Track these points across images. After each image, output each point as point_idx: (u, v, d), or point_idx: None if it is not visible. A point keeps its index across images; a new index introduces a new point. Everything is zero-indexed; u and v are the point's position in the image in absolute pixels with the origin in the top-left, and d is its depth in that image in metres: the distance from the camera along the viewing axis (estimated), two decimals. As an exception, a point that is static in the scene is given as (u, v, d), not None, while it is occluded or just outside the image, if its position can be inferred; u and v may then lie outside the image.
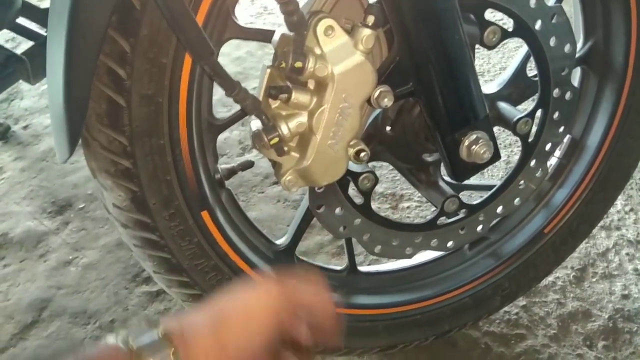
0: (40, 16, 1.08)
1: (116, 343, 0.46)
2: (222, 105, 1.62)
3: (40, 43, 1.07)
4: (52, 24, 0.59)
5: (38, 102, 1.72)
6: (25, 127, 1.65)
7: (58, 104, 0.59)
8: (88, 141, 0.67)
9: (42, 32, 1.18)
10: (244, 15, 2.06)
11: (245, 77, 1.86)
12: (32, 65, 1.02)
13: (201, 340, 0.48)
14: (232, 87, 0.57)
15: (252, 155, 1.49)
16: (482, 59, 1.80)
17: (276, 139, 0.59)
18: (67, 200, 1.41)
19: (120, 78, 0.61)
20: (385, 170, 1.43)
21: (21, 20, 1.15)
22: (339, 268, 0.93)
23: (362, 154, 0.64)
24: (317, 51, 0.57)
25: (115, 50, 0.60)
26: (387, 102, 0.63)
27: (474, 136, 0.69)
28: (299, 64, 0.56)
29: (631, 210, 1.36)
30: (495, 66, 1.82)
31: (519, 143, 0.86)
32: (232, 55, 1.91)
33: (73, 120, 0.60)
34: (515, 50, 1.80)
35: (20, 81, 1.16)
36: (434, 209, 0.87)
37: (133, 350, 0.46)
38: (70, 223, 1.36)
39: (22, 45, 1.38)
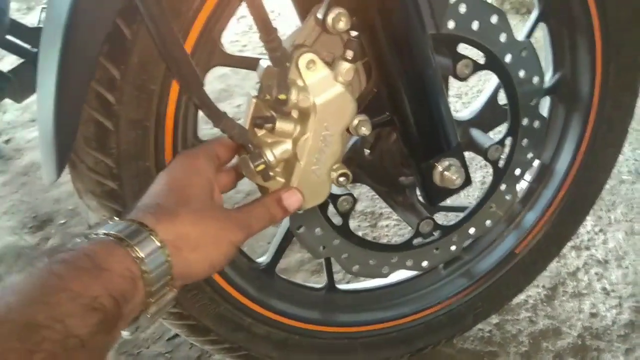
0: (28, 35, 1.09)
1: (97, 236, 0.49)
2: (205, 122, 1.64)
3: (26, 61, 1.09)
4: (45, 48, 0.60)
5: (21, 116, 1.72)
6: (7, 141, 1.65)
7: (47, 128, 0.60)
8: (75, 163, 0.69)
9: (29, 48, 1.19)
10: (229, 34, 2.10)
11: (230, 94, 1.89)
12: (18, 84, 1.03)
13: (164, 216, 0.52)
14: (219, 118, 0.59)
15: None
16: (459, 81, 1.86)
17: (262, 166, 0.62)
18: (49, 215, 1.41)
19: (109, 103, 0.64)
20: (365, 189, 1.46)
21: (9, 38, 1.16)
22: (318, 286, 0.96)
23: (342, 179, 0.67)
24: (300, 83, 0.60)
25: (106, 77, 0.62)
26: (365, 130, 0.66)
27: (447, 163, 0.73)
28: (282, 96, 0.59)
29: (600, 230, 1.41)
30: (473, 89, 1.88)
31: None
32: (216, 73, 1.94)
33: (62, 144, 0.61)
34: (491, 74, 1.86)
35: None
36: (410, 229, 0.90)
37: (117, 238, 0.49)
38: (51, 238, 1.36)
39: (6, 60, 1.39)
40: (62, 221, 1.40)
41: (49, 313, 0.41)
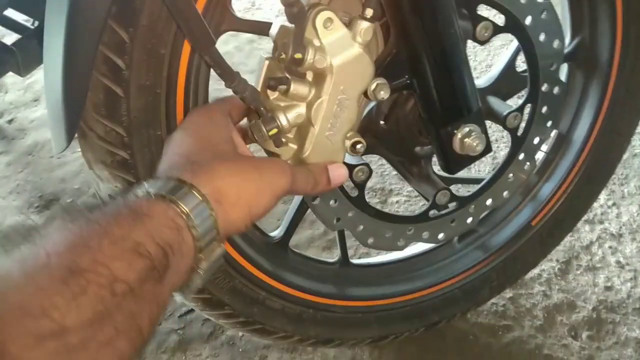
0: (29, 7, 1.06)
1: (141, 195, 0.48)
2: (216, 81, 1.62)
3: (29, 35, 1.06)
4: (51, 13, 0.58)
5: (23, 96, 1.70)
6: (10, 121, 1.63)
7: (56, 94, 0.58)
8: (84, 132, 0.67)
9: (29, 25, 1.17)
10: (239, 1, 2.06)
11: (234, 72, 1.86)
12: (22, 57, 1.00)
13: (200, 171, 0.51)
14: (232, 78, 0.57)
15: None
16: (469, 56, 1.82)
17: (275, 130, 0.60)
18: (55, 194, 1.40)
19: (119, 68, 0.61)
20: (374, 165, 1.44)
21: (9, 12, 1.13)
22: (331, 260, 0.94)
23: (358, 146, 0.65)
24: (316, 43, 0.58)
25: (114, 40, 0.60)
26: (384, 94, 0.63)
27: (467, 129, 0.70)
28: (298, 55, 0.56)
29: (614, 204, 1.39)
30: (482, 63, 1.85)
31: (505, 140, 0.88)
32: (220, 50, 1.90)
33: (71, 110, 0.59)
34: (501, 48, 1.83)
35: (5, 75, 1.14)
36: (422, 203, 0.88)
37: (158, 195, 0.47)
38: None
39: (6, 38, 1.37)
40: (69, 200, 1.38)
41: (91, 256, 0.39)
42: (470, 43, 0.72)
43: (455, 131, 0.71)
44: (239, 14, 0.70)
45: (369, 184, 1.42)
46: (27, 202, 1.38)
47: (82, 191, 1.39)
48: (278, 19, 0.63)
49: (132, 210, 0.44)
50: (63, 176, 1.44)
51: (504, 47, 1.80)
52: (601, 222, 1.35)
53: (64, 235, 0.41)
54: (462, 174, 0.92)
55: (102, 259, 0.40)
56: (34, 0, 1.01)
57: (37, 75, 1.65)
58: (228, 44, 1.91)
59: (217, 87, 0.67)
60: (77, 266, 0.39)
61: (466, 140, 0.70)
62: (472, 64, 1.86)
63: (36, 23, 1.14)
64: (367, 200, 0.83)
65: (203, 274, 0.50)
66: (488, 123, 0.78)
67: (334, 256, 0.96)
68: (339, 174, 0.62)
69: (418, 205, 1.35)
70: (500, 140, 1.51)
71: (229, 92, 0.61)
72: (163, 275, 0.43)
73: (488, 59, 1.88)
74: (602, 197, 1.40)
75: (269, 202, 0.55)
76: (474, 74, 0.72)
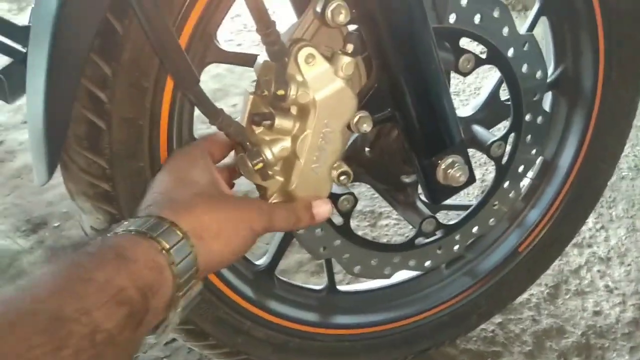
0: (17, 34, 1.06)
1: (116, 233, 0.48)
2: (201, 122, 1.62)
3: (17, 61, 1.06)
4: (34, 46, 0.58)
5: (13, 118, 1.70)
6: (-1, 144, 1.62)
7: (37, 127, 0.58)
8: (67, 163, 0.67)
9: (19, 48, 1.17)
10: (223, 32, 2.07)
11: (225, 94, 1.86)
12: (9, 84, 1.00)
13: (180, 207, 0.52)
14: (216, 115, 0.57)
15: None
16: (458, 79, 1.84)
17: (260, 164, 0.60)
18: (42, 218, 1.39)
19: (101, 101, 0.61)
20: (364, 188, 1.44)
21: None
22: (318, 287, 0.94)
23: (343, 177, 0.66)
24: (299, 78, 0.58)
25: (97, 74, 0.60)
26: (366, 127, 0.64)
27: (450, 160, 0.71)
28: (281, 92, 0.57)
29: (602, 227, 1.40)
30: (470, 86, 1.87)
31: (493, 163, 0.88)
32: (211, 72, 1.91)
33: (53, 143, 0.59)
34: (489, 71, 1.85)
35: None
36: (411, 227, 0.88)
37: (139, 232, 0.48)
38: (45, 242, 1.33)
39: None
40: (56, 224, 1.37)
41: (76, 305, 0.39)
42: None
43: (439, 162, 0.71)
44: (226, 42, 0.70)
45: (358, 207, 1.43)
46: (14, 225, 1.37)
47: (69, 215, 1.38)
48: (263, 53, 0.63)
49: (116, 253, 0.45)
50: (51, 199, 1.43)
51: (493, 69, 1.82)
52: (590, 246, 1.35)
53: (49, 279, 0.41)
54: (449, 200, 0.92)
55: (85, 308, 0.40)
56: (22, 27, 1.01)
57: (27, 98, 1.65)
58: (220, 66, 1.92)
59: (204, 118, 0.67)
60: (62, 315, 0.39)
61: (449, 171, 0.70)
62: (460, 86, 1.88)
63: (27, 48, 1.14)
64: (357, 224, 0.83)
65: (180, 311, 0.50)
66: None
67: (322, 282, 0.95)
68: (323, 211, 0.63)
69: (407, 229, 1.35)
70: (489, 163, 1.52)
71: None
72: (142, 319, 0.44)
73: (477, 82, 1.90)
74: (591, 220, 1.40)
75: (249, 240, 0.55)
76: (463, 97, 0.72)
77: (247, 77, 1.90)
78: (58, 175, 1.45)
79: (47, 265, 0.43)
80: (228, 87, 1.89)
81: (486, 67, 0.77)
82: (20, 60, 1.08)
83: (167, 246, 0.47)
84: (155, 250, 0.47)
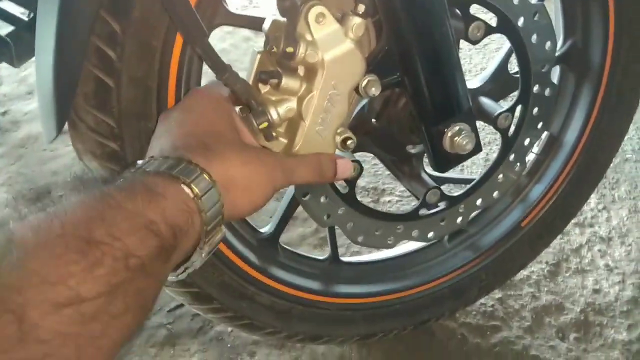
0: (24, -1, 1.06)
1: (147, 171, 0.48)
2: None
3: (23, 26, 1.06)
4: (43, 3, 0.58)
5: (17, 89, 1.69)
6: (3, 114, 1.62)
7: (47, 82, 0.58)
8: (75, 122, 0.67)
9: (23, 17, 1.17)
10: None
11: (230, 69, 1.86)
12: (15, 48, 1.00)
13: (214, 156, 0.52)
14: (223, 70, 0.57)
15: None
16: (464, 58, 1.83)
17: (265, 124, 0.60)
18: (46, 187, 1.39)
19: (110, 59, 0.61)
20: (367, 165, 1.45)
21: (4, 4, 1.13)
22: (321, 257, 0.95)
23: (349, 142, 0.66)
24: (308, 37, 0.58)
25: (106, 31, 0.60)
26: (375, 91, 0.64)
27: (457, 127, 0.71)
28: (290, 49, 0.56)
29: (604, 208, 1.40)
30: (477, 66, 1.85)
31: (498, 142, 0.88)
32: (216, 48, 1.89)
33: (62, 100, 0.59)
34: (495, 52, 1.84)
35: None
36: (414, 203, 0.88)
37: (171, 175, 0.48)
38: (49, 210, 1.34)
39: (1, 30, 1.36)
40: (60, 193, 1.38)
41: (107, 230, 0.39)
42: (465, 45, 0.72)
43: (446, 129, 0.71)
44: (236, 12, 0.70)
45: (362, 183, 1.43)
46: (18, 194, 1.37)
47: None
48: (271, 14, 0.63)
49: (147, 188, 0.45)
50: (55, 169, 1.44)
51: (500, 49, 1.81)
52: (591, 226, 1.35)
53: (78, 207, 0.41)
54: (453, 173, 0.93)
55: (117, 233, 0.40)
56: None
57: (32, 69, 1.64)
58: (224, 41, 1.91)
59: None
60: (93, 238, 0.39)
61: (456, 138, 0.70)
62: (467, 66, 1.87)
63: (31, 15, 1.14)
64: (359, 199, 0.83)
65: (204, 256, 0.51)
66: (481, 125, 0.78)
67: (324, 254, 0.96)
68: (346, 168, 0.64)
69: (410, 205, 1.36)
70: (493, 142, 1.52)
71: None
72: (170, 256, 0.44)
73: (483, 62, 1.89)
74: (593, 200, 1.41)
75: (269, 195, 0.56)
76: (469, 76, 0.72)
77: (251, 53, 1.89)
78: (63, 146, 1.45)
79: (74, 195, 0.42)
80: (233, 63, 1.88)
81: (493, 47, 0.76)
82: (25, 26, 1.08)
83: (200, 193, 0.48)
84: (186, 194, 0.47)
